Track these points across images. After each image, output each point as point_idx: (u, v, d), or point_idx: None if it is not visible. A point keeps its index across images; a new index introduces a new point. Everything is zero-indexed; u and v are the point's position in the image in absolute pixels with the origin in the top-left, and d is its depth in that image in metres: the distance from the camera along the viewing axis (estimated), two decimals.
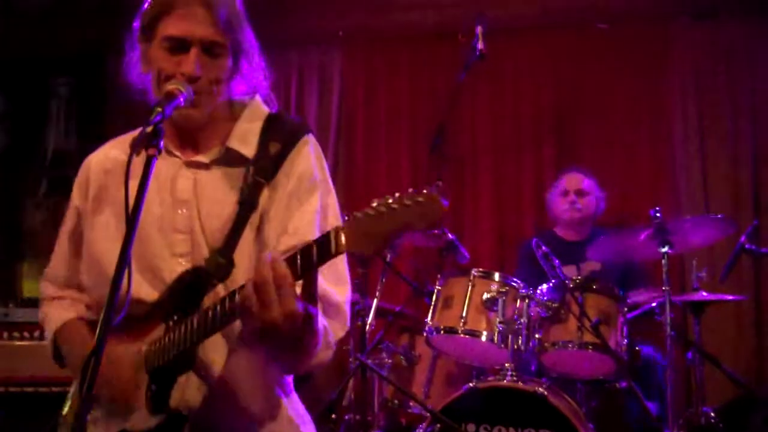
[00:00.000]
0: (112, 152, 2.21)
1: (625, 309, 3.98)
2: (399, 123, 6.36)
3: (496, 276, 3.90)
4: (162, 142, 1.81)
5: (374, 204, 1.67)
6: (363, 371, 4.23)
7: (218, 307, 1.77)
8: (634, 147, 5.96)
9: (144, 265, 2.01)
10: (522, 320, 3.80)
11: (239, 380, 1.99)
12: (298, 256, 1.66)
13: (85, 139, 6.68)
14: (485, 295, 3.81)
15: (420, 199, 1.64)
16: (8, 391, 4.17)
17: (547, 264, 3.98)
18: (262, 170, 2.01)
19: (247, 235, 1.98)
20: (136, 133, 1.92)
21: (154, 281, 1.99)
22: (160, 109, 1.84)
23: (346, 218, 1.68)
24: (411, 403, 4.21)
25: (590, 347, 3.78)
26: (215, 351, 1.98)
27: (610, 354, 3.77)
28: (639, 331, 4.41)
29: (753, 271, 5.57)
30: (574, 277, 4.14)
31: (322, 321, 1.83)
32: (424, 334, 3.97)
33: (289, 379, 2.14)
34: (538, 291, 3.94)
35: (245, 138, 2.08)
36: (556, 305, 3.86)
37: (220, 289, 1.93)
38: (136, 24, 2.08)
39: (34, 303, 3.69)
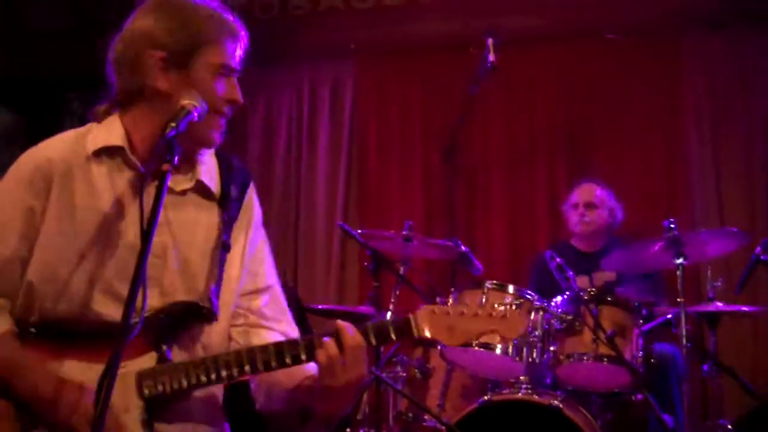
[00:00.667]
0: (64, 154, 2.05)
1: (641, 321, 3.96)
2: (411, 135, 6.37)
3: (510, 288, 3.88)
4: (177, 158, 1.83)
5: (472, 305, 2.02)
6: (377, 385, 4.21)
7: (271, 354, 1.96)
8: (647, 158, 5.94)
9: (107, 286, 1.99)
10: (537, 333, 3.79)
11: (204, 410, 2.10)
12: (371, 332, 1.98)
13: None
14: (492, 305, 3.78)
15: (507, 315, 1.99)
16: None
17: (561, 276, 3.96)
18: (230, 212, 2.13)
19: (226, 275, 2.11)
20: (83, 129, 2.09)
21: (119, 302, 1.91)
22: (174, 125, 1.86)
23: (434, 309, 2.02)
24: (426, 417, 4.19)
25: (605, 359, 3.76)
26: None
27: (626, 366, 3.75)
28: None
29: None
30: (588, 289, 4.12)
31: None
32: (439, 347, 3.95)
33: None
34: (553, 303, 3.93)
35: (210, 174, 2.13)
36: (570, 317, 3.85)
37: (206, 329, 2.08)
38: (151, 34, 2.03)
39: None
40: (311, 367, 2.03)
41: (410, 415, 4.25)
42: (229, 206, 2.13)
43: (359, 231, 4.61)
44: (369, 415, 4.45)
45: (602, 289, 4.33)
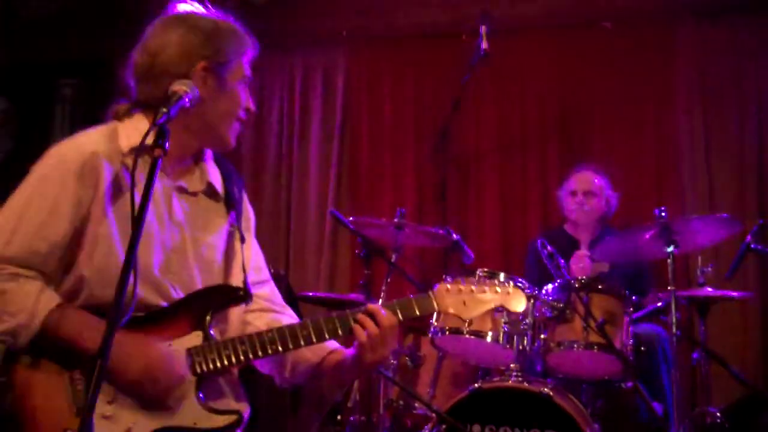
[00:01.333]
0: (105, 149, 2.17)
1: (631, 309, 3.97)
2: (403, 123, 6.36)
3: (501, 276, 3.87)
4: (168, 143, 1.85)
5: (476, 284, 2.31)
6: (368, 372, 4.22)
7: (311, 330, 2.20)
8: (639, 146, 5.95)
9: (146, 275, 2.14)
10: (527, 320, 3.80)
11: (232, 383, 2.30)
12: (398, 309, 2.26)
13: None
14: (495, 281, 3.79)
15: (512, 290, 2.32)
16: None
17: (552, 264, 3.97)
18: (236, 210, 2.37)
19: (246, 264, 2.32)
20: (110, 126, 2.24)
21: (157, 290, 2.17)
22: (165, 110, 1.91)
23: (447, 287, 2.31)
24: (416, 404, 4.21)
25: (596, 347, 3.77)
26: None
27: (616, 354, 3.76)
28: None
29: (759, 271, 5.55)
30: (579, 277, 4.13)
31: None
32: (429, 335, 3.96)
33: None
34: (544, 291, 3.94)
35: (215, 176, 2.35)
36: (561, 305, 3.85)
37: (232, 312, 2.29)
38: (204, 38, 2.21)
39: None
40: (331, 343, 2.31)
41: (401, 402, 4.26)
42: (234, 206, 2.36)
43: (351, 218, 4.61)
44: (360, 402, 4.46)
45: (595, 279, 4.33)
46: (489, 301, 2.30)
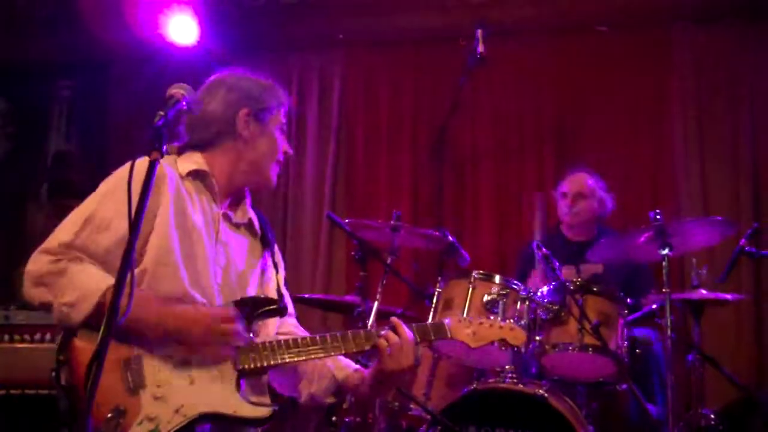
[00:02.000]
0: (168, 169, 2.48)
1: (626, 311, 3.98)
2: (400, 126, 6.38)
3: (497, 278, 3.89)
4: (165, 146, 1.88)
5: (486, 318, 2.71)
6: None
7: (341, 341, 2.48)
8: (634, 149, 5.97)
9: (196, 280, 2.44)
10: (522, 322, 3.81)
11: (264, 383, 2.59)
12: (415, 331, 2.54)
13: (86, 142, 6.70)
14: (486, 297, 3.80)
15: (514, 327, 2.70)
16: (9, 393, 4.17)
17: (547, 266, 3.98)
18: (270, 248, 2.71)
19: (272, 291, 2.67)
20: (170, 158, 2.56)
21: (203, 294, 2.44)
22: (162, 113, 1.93)
23: (460, 318, 2.70)
24: (412, 406, 4.21)
25: (590, 349, 3.78)
26: None
27: (611, 356, 3.77)
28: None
29: (753, 274, 5.58)
30: (574, 279, 4.14)
31: None
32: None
33: None
34: (539, 293, 3.95)
35: (253, 216, 2.69)
36: (556, 307, 3.86)
37: (269, 323, 2.59)
38: (241, 90, 2.63)
39: (34, 306, 3.68)
40: (352, 363, 2.64)
41: (396, 403, 4.26)
42: (269, 244, 2.70)
43: (347, 220, 4.62)
44: (355, 403, 4.46)
45: (589, 280, 4.35)
46: (493, 335, 2.64)
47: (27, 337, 4.25)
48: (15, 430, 4.14)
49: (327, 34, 6.46)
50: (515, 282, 3.92)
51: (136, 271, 2.27)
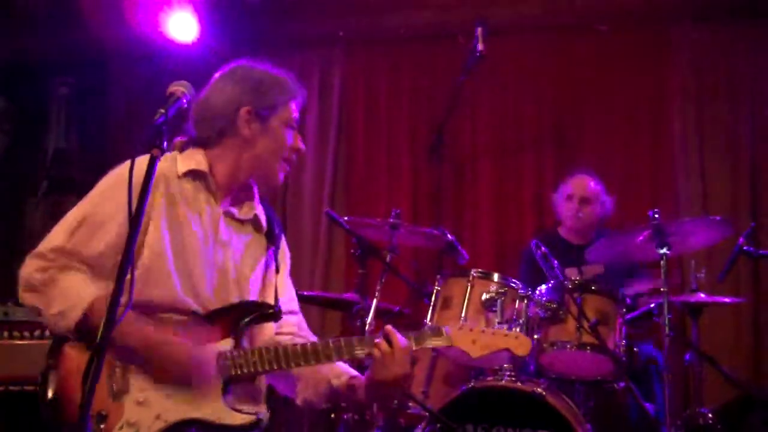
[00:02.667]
0: (165, 169, 2.45)
1: (624, 310, 3.99)
2: (399, 124, 6.38)
3: (495, 276, 3.90)
4: (165, 143, 1.88)
5: (488, 327, 2.66)
6: (362, 371, 4.23)
7: (332, 349, 2.40)
8: (633, 149, 5.97)
9: (191, 284, 2.42)
10: (521, 321, 3.81)
11: (259, 392, 2.57)
12: (413, 338, 2.45)
13: (85, 139, 6.70)
14: (484, 296, 3.80)
15: (519, 335, 2.53)
16: (8, 390, 4.17)
17: (546, 265, 3.99)
18: (276, 244, 2.66)
19: (278, 291, 2.61)
20: (171, 155, 2.53)
21: (203, 303, 2.43)
22: (162, 111, 1.93)
23: (461, 326, 2.53)
24: (410, 403, 4.22)
25: (588, 348, 3.79)
26: None
27: (609, 354, 3.78)
28: (638, 332, 4.43)
29: (751, 273, 5.58)
30: (574, 278, 4.15)
31: None
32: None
33: None
34: (537, 291, 3.95)
35: (260, 211, 2.64)
36: (554, 306, 3.87)
37: (265, 327, 2.54)
38: (246, 86, 2.54)
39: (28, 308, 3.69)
40: (349, 369, 2.57)
41: (394, 401, 4.27)
42: (275, 241, 2.65)
43: (346, 218, 4.63)
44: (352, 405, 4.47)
45: (591, 280, 4.35)
46: (496, 344, 2.50)
47: (26, 333, 4.24)
48: (14, 427, 4.14)
49: (327, 32, 6.46)
50: (514, 280, 3.93)
51: (127, 278, 2.24)
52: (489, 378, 3.81)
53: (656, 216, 4.00)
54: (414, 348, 2.45)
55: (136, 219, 1.90)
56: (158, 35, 5.83)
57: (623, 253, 4.47)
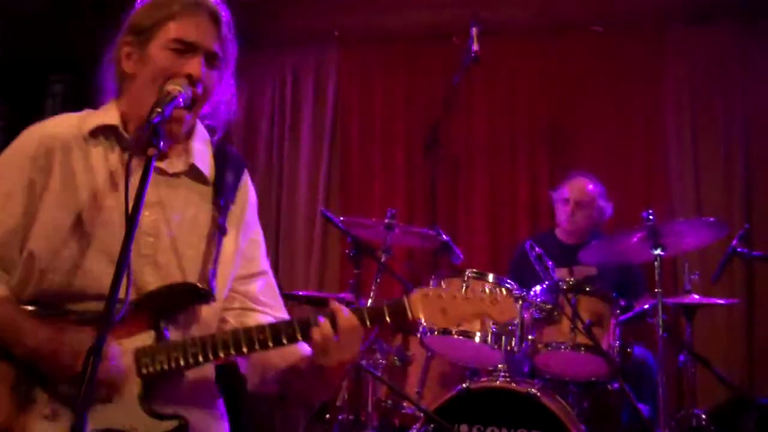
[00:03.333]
0: (66, 132, 2.14)
1: (618, 311, 4.00)
2: (394, 124, 6.38)
3: (490, 277, 3.90)
4: (162, 143, 1.85)
5: (460, 290, 2.06)
6: (357, 371, 4.24)
7: (268, 333, 2.01)
8: (627, 150, 5.98)
9: (110, 260, 2.00)
10: (515, 321, 3.82)
11: (200, 388, 2.16)
12: (366, 314, 2.03)
13: None
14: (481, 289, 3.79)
15: (498, 299, 2.06)
16: None
17: (540, 266, 3.99)
18: (225, 197, 2.20)
19: (222, 257, 2.16)
20: (84, 113, 2.19)
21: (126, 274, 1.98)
22: (159, 110, 1.89)
23: (427, 292, 2.05)
24: (404, 404, 4.22)
25: (583, 349, 3.80)
26: None
27: (603, 356, 3.78)
28: (631, 334, 4.44)
29: (744, 275, 5.59)
30: (567, 279, 4.15)
31: None
32: (418, 335, 3.98)
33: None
34: (532, 292, 3.96)
35: (203, 159, 2.21)
36: (549, 307, 3.88)
37: (202, 309, 2.11)
38: (127, 23, 2.16)
39: None
40: (306, 350, 2.09)
41: (389, 402, 4.28)
42: (224, 191, 2.20)
43: (341, 218, 4.63)
44: (348, 401, 4.47)
45: (582, 281, 4.35)
46: (471, 311, 2.07)
47: None
48: None
49: (322, 30, 6.46)
50: (508, 281, 3.94)
51: (22, 260, 2.05)
52: (483, 379, 3.81)
53: (650, 217, 4.01)
54: (369, 326, 2.04)
55: (131, 219, 1.78)
56: None
57: (617, 255, 4.48)
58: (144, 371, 1.98)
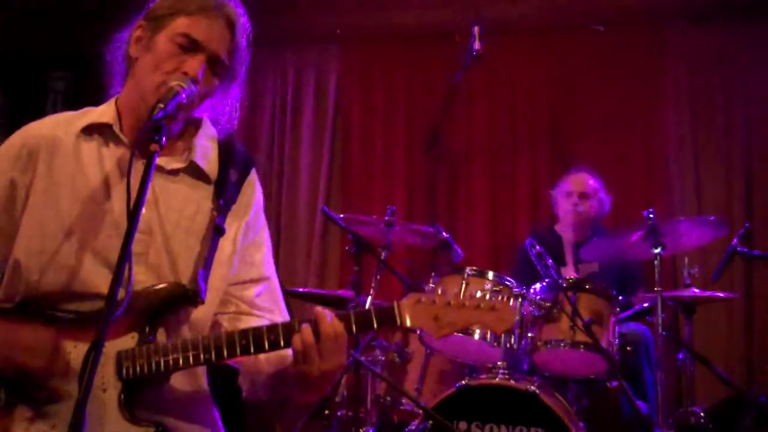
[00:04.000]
0: (54, 130, 2.08)
1: (618, 309, 4.01)
2: (395, 122, 6.39)
3: (490, 274, 3.91)
4: (164, 139, 1.83)
5: (453, 297, 1.98)
6: (356, 368, 4.25)
7: (250, 339, 1.91)
8: (628, 148, 5.99)
9: (101, 259, 1.97)
10: (515, 319, 3.82)
11: (187, 394, 2.06)
12: (353, 320, 1.93)
13: None
14: (479, 294, 3.80)
15: (495, 306, 1.99)
16: None
17: (541, 263, 4.00)
18: (226, 196, 2.10)
19: (217, 259, 2.06)
20: (80, 111, 2.12)
21: (108, 269, 1.95)
22: (162, 105, 1.85)
23: (420, 298, 1.96)
24: (403, 400, 4.23)
25: (582, 346, 3.80)
26: None
27: (602, 353, 3.79)
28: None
29: (744, 274, 5.60)
30: (568, 277, 4.16)
31: None
32: (418, 332, 3.98)
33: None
34: (531, 290, 3.97)
35: (206, 156, 2.12)
36: (549, 304, 3.89)
37: (192, 312, 2.01)
38: (147, 7, 2.10)
39: None
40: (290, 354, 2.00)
41: (388, 398, 4.28)
42: (225, 190, 2.11)
43: (341, 215, 4.63)
44: (347, 397, 4.48)
45: (586, 279, 4.36)
46: (465, 320, 1.99)
47: None
48: None
49: (323, 29, 6.46)
50: (508, 278, 3.95)
51: (8, 268, 2.00)
52: (482, 376, 3.82)
53: (651, 216, 4.02)
54: (355, 332, 1.95)
55: (133, 215, 1.73)
56: None
57: (617, 253, 4.49)
58: (124, 375, 1.89)
